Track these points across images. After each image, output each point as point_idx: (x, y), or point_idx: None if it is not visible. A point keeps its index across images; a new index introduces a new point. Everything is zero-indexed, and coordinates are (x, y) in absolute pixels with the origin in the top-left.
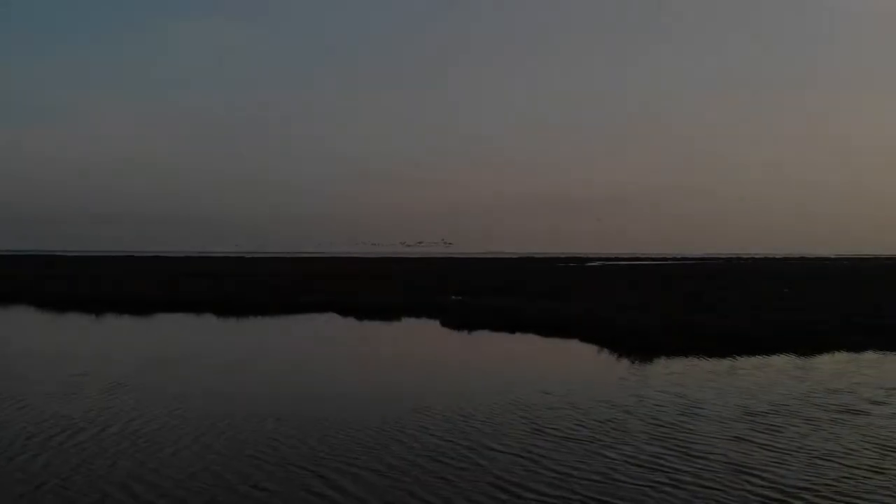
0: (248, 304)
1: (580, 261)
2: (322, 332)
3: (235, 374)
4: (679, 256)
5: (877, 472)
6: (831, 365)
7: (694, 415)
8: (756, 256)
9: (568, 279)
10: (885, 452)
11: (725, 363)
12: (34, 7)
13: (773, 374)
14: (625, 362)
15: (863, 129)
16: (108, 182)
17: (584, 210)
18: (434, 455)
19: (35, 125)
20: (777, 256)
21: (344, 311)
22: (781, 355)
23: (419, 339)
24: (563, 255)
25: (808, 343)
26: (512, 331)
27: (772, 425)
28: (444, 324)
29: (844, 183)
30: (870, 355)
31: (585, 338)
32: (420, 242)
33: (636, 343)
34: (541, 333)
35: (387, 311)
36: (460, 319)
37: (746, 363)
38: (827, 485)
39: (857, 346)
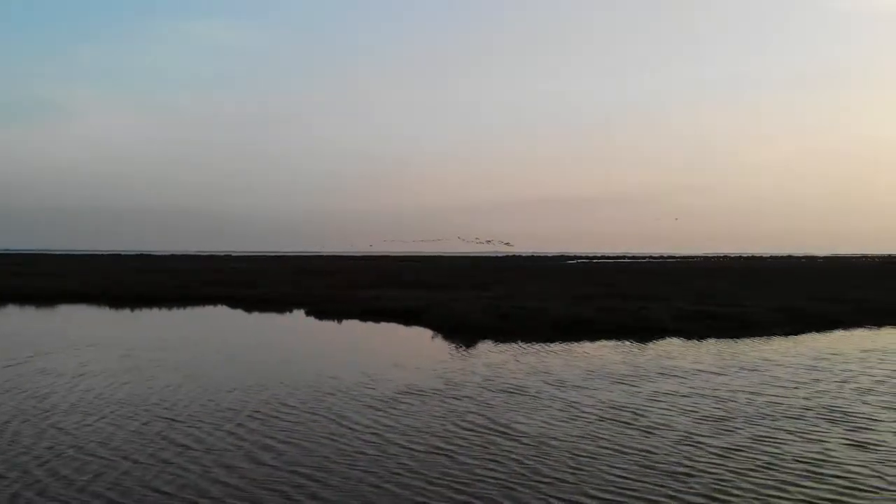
0: (145, 297)
1: (564, 259)
2: (179, 320)
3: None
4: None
5: (405, 449)
6: (603, 350)
7: (333, 393)
8: (747, 256)
9: (504, 276)
10: (452, 432)
11: (519, 346)
12: (33, 5)
13: (526, 355)
14: (416, 343)
15: (864, 128)
16: (104, 181)
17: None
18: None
19: (32, 123)
20: (769, 256)
21: (235, 303)
22: (587, 342)
23: (259, 325)
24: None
25: (639, 329)
26: (376, 319)
27: (392, 403)
28: (308, 313)
29: (846, 182)
30: (676, 341)
31: (431, 324)
32: (489, 241)
33: (465, 328)
34: (396, 321)
35: (275, 303)
36: (329, 309)
37: (526, 346)
38: (309, 464)
39: (682, 333)
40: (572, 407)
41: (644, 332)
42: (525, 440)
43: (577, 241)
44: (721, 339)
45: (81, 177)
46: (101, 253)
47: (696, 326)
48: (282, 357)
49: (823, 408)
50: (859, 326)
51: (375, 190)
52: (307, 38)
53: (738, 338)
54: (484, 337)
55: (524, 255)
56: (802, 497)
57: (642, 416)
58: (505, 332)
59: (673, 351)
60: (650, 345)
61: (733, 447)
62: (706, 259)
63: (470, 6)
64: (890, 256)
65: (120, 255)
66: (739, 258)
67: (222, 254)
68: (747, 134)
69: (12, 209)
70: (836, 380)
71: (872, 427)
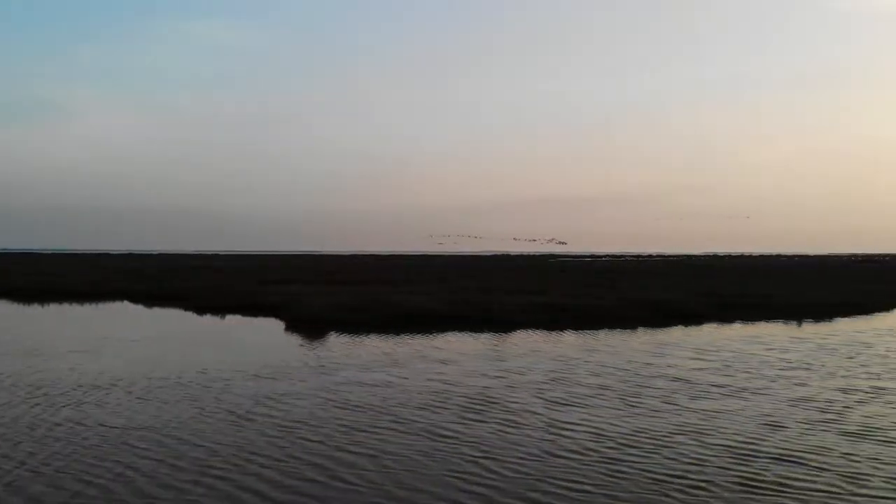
0: (52, 291)
1: (554, 258)
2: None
3: None
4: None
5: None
6: (403, 342)
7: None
8: (735, 255)
9: (435, 272)
10: (45, 421)
11: (341, 337)
12: (33, 5)
13: (310, 348)
14: (239, 336)
15: (864, 128)
16: (104, 181)
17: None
18: None
19: (32, 123)
20: (759, 255)
21: (136, 298)
22: (420, 335)
23: (122, 318)
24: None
25: (483, 321)
26: (252, 313)
27: (56, 396)
28: (188, 307)
29: (846, 182)
30: (520, 332)
31: (288, 317)
32: (551, 240)
33: (316, 320)
34: (267, 314)
35: (175, 298)
36: (213, 304)
37: (348, 338)
38: None
39: (526, 324)
40: (220, 397)
41: (488, 323)
42: (105, 432)
43: (576, 241)
44: (554, 331)
45: (81, 177)
46: (92, 252)
47: (543, 318)
48: (58, 349)
49: (487, 399)
50: (720, 321)
51: (375, 190)
52: (307, 38)
53: (581, 329)
54: (332, 329)
55: (520, 254)
56: (267, 486)
57: (274, 406)
58: (353, 324)
59: (463, 342)
60: (459, 336)
61: (309, 439)
62: (689, 258)
63: (470, 6)
64: (870, 256)
65: (109, 254)
66: (726, 257)
67: (211, 253)
68: (747, 134)
69: (12, 209)
70: (553, 371)
71: (494, 419)
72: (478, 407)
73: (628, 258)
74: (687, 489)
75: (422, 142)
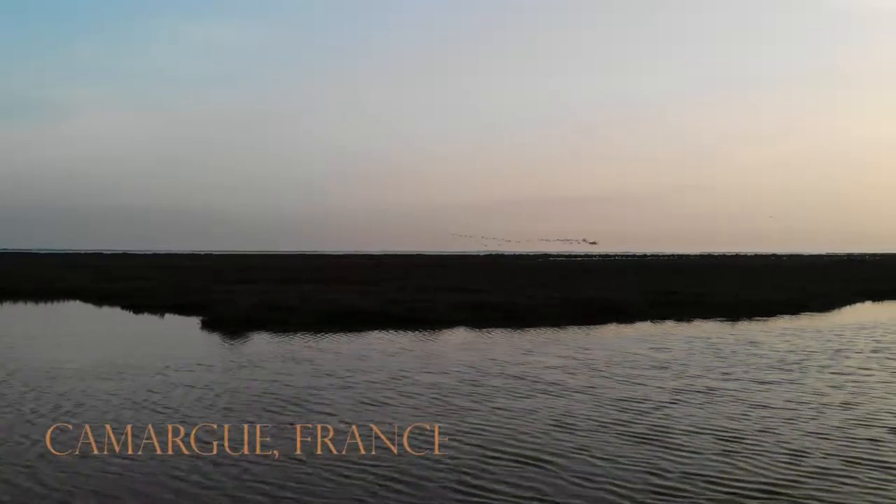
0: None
1: (547, 258)
2: None
3: None
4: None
5: None
6: (288, 341)
7: None
8: (727, 254)
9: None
10: None
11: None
12: (32, 4)
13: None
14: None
15: (864, 128)
16: (104, 181)
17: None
18: None
19: (32, 123)
20: (754, 254)
21: (86, 297)
22: (334, 333)
23: (72, 317)
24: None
25: (405, 319)
26: (186, 312)
27: None
28: (125, 307)
29: (846, 182)
30: (439, 331)
31: (213, 316)
32: (569, 240)
33: (231, 319)
34: (196, 314)
35: (122, 296)
36: (149, 303)
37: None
38: None
39: (449, 323)
40: (41, 398)
41: (412, 322)
42: None
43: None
44: (477, 329)
45: (81, 177)
46: (87, 252)
47: (471, 317)
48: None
49: (300, 400)
50: (655, 319)
51: (375, 190)
52: (307, 38)
53: (506, 327)
54: (249, 328)
55: (516, 254)
56: None
57: (78, 405)
58: (273, 323)
59: (358, 342)
60: (374, 335)
61: (60, 443)
62: (681, 258)
63: (470, 6)
64: (851, 255)
65: (102, 253)
66: (721, 256)
67: (204, 253)
68: (747, 134)
69: (12, 209)
70: (402, 370)
71: (281, 422)
72: (282, 409)
73: (615, 257)
74: (396, 492)
75: (422, 141)
